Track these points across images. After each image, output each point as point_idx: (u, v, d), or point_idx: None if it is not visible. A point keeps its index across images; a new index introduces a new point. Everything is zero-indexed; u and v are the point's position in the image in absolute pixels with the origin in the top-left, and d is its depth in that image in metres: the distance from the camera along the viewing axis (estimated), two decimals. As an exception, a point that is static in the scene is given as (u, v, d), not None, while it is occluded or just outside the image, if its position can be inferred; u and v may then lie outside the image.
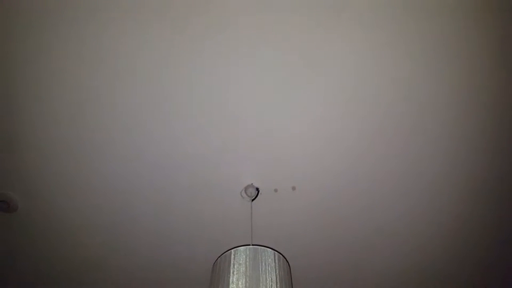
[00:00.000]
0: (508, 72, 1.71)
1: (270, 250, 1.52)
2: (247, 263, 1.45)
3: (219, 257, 1.56)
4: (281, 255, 1.54)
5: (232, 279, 1.38)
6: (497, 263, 2.39)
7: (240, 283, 1.37)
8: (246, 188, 2.02)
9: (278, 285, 1.40)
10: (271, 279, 1.41)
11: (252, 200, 2.02)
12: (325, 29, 1.58)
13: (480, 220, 2.18)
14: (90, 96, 1.72)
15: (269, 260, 1.48)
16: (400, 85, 1.73)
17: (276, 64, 1.66)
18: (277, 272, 1.45)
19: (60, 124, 1.80)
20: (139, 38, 1.59)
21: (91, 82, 1.69)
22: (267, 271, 1.43)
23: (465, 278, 2.45)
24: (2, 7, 1.49)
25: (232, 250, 1.52)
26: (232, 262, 1.47)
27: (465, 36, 1.61)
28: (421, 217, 2.16)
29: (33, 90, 1.70)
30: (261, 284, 1.38)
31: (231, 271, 1.42)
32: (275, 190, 2.04)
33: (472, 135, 1.88)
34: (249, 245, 1.54)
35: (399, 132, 1.86)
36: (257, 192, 2.02)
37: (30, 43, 1.58)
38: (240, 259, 1.47)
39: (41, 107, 1.74)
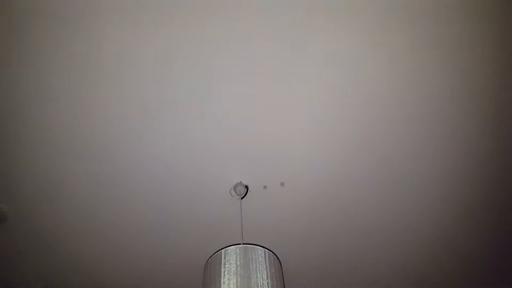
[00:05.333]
0: (508, 71, 1.73)
1: (260, 248, 1.53)
2: (238, 262, 1.46)
3: (209, 257, 1.56)
4: (271, 253, 1.55)
5: (223, 280, 1.39)
6: (496, 263, 2.43)
7: (231, 283, 1.38)
8: (235, 187, 2.02)
9: (269, 283, 1.41)
10: (262, 277, 1.42)
11: (242, 198, 2.03)
12: (320, 27, 1.59)
13: (480, 220, 2.22)
14: (83, 99, 1.71)
15: (260, 258, 1.49)
16: (393, 82, 1.74)
17: (262, 58, 1.66)
18: (268, 270, 1.46)
19: (47, 127, 1.78)
20: (134, 37, 1.58)
21: (88, 84, 1.68)
22: (258, 270, 1.44)
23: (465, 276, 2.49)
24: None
25: (223, 250, 1.52)
26: (222, 262, 1.47)
27: (462, 34, 1.63)
28: (411, 210, 2.18)
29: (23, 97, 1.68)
30: (252, 283, 1.38)
31: (222, 272, 1.43)
32: (264, 187, 2.04)
33: (473, 134, 1.90)
34: (240, 244, 1.55)
35: (390, 129, 1.88)
36: (246, 189, 2.02)
37: (31, 43, 1.56)
38: (230, 259, 1.47)
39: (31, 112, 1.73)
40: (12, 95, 1.69)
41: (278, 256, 1.61)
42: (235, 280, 1.38)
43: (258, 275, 1.41)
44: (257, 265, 1.46)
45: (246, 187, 2.02)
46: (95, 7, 1.50)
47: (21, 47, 1.57)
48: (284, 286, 1.51)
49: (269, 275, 1.44)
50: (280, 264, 1.57)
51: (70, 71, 1.64)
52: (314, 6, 1.54)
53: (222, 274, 1.41)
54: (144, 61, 1.63)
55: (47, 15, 1.50)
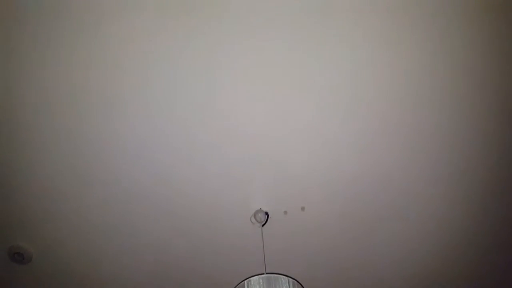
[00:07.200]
0: (508, 69, 1.69)
1: (284, 277, 1.50)
2: (262, 293, 1.44)
3: (233, 289, 1.54)
4: (295, 281, 1.52)
5: (248, 312, 1.37)
6: (499, 266, 2.33)
7: (256, 315, 1.35)
8: (255, 214, 2.00)
9: (294, 313, 1.38)
10: (287, 307, 1.39)
11: (263, 225, 2.01)
12: (322, 29, 1.56)
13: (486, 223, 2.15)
14: (91, 133, 1.76)
15: (284, 287, 1.46)
16: (399, 83, 1.70)
17: (277, 80, 1.64)
18: (293, 299, 1.43)
19: (67, 165, 1.83)
20: (141, 45, 1.55)
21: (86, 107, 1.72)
22: (282, 300, 1.41)
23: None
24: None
25: (246, 281, 1.51)
26: (246, 294, 1.45)
27: (464, 33, 1.60)
28: (433, 230, 2.12)
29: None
30: (277, 314, 1.36)
31: (246, 303, 1.41)
32: (285, 212, 2.02)
33: (476, 135, 1.85)
34: (263, 273, 1.53)
35: (406, 141, 1.84)
36: (266, 216, 2.01)
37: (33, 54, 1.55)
38: (254, 290, 1.45)
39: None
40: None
41: (302, 284, 1.57)
42: (259, 312, 1.36)
43: (283, 305, 1.39)
44: (282, 294, 1.43)
45: (266, 213, 2.01)
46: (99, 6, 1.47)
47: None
48: (310, 315, 1.47)
49: (294, 304, 1.41)
50: (305, 292, 1.54)
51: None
52: (317, 7, 1.52)
53: (247, 306, 1.39)
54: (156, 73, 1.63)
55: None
